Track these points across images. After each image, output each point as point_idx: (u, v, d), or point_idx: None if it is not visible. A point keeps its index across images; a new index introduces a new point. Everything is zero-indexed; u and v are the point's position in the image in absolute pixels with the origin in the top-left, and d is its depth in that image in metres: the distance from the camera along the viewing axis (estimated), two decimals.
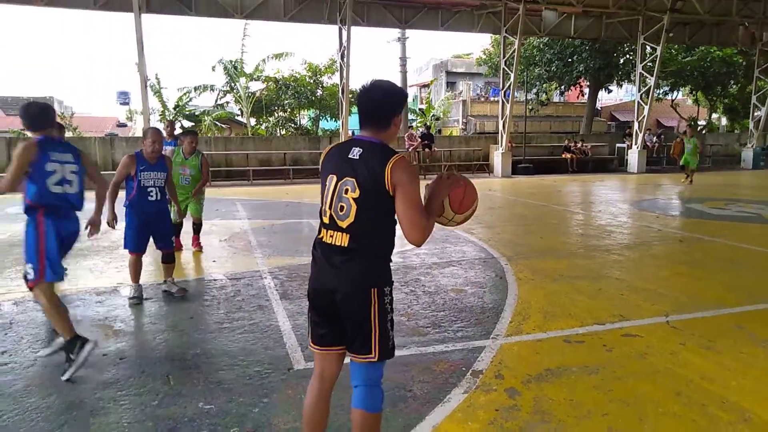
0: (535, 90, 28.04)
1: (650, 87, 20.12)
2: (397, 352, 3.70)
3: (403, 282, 5.54)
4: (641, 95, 20.59)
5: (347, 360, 2.39)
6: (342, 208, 2.19)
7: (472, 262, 6.50)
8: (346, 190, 2.18)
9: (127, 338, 4.09)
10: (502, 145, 19.51)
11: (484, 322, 4.41)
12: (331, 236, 2.23)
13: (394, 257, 6.41)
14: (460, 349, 3.84)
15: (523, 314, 4.61)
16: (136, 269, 4.98)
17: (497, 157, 19.82)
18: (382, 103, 2.27)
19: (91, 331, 4.20)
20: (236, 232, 8.60)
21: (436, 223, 2.35)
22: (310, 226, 9.08)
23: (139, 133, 25.67)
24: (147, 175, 4.85)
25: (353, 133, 25.46)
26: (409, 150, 19.66)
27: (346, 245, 2.19)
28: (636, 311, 4.66)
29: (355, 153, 2.21)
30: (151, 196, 4.89)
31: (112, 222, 4.77)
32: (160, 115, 22.67)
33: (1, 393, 3.19)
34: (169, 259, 5.23)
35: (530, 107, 27.51)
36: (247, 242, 7.76)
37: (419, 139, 19.77)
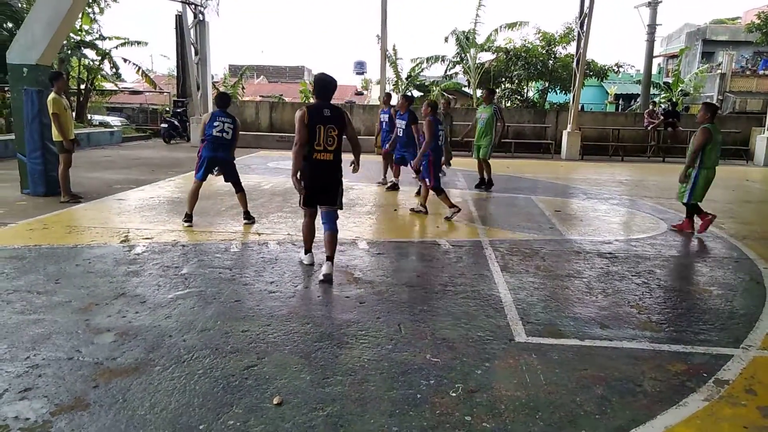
0: None
1: None
2: (625, 344, 3.53)
3: (634, 272, 5.16)
4: None
5: None
6: None
7: (720, 260, 5.73)
8: None
9: (364, 286, 4.59)
10: None
11: (731, 329, 3.90)
12: None
13: (621, 244, 5.97)
14: (701, 353, 3.47)
15: None
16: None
17: (760, 141, 16.81)
18: None
19: (336, 275, 4.83)
20: (457, 201, 8.87)
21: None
22: (530, 201, 8.93)
23: (374, 102, 27.74)
24: None
25: (583, 107, 23.89)
26: (648, 128, 17.83)
27: None
28: None
29: None
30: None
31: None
32: (393, 85, 24.14)
33: (272, 315, 3.89)
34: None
35: None
36: (468, 212, 7.97)
37: (661, 117, 17.76)
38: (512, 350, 3.44)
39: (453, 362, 3.24)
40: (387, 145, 9.79)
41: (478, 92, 23.70)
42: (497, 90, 23.66)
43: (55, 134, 7.58)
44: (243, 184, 6.90)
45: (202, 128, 6.52)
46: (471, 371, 3.14)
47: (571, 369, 3.20)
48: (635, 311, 4.17)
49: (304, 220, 5.05)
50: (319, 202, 4.86)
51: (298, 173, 4.65)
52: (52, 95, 7.44)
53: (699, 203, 6.88)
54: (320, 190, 4.77)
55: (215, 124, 6.45)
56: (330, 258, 4.82)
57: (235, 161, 6.84)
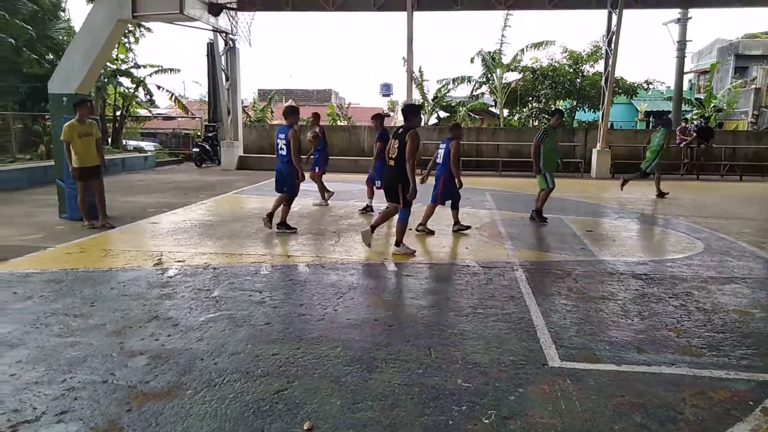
0: None
1: None
2: (664, 369, 3.41)
3: (671, 294, 5.01)
4: None
5: None
6: None
7: (763, 281, 5.52)
8: None
9: (393, 308, 4.56)
10: None
11: None
12: None
13: (656, 264, 5.78)
14: (745, 380, 3.33)
15: None
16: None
17: None
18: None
19: (365, 298, 4.82)
20: (486, 221, 8.80)
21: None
22: (561, 222, 8.79)
23: (400, 123, 27.89)
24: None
25: (612, 125, 23.56)
26: (681, 145, 17.48)
27: None
28: None
29: None
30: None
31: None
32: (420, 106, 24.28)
33: (301, 338, 3.89)
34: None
35: None
36: (497, 232, 7.89)
37: (694, 134, 17.40)
38: (546, 375, 3.36)
39: (485, 387, 3.18)
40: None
41: (505, 112, 23.67)
42: (523, 109, 23.58)
43: (73, 160, 7.58)
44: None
45: None
46: (504, 397, 3.07)
47: (608, 395, 3.11)
48: (674, 335, 4.04)
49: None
50: (388, 197, 6.39)
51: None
52: (70, 121, 7.50)
53: None
54: (386, 187, 6.43)
55: (277, 141, 7.43)
56: (395, 243, 6.52)
57: (296, 175, 7.35)
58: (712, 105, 25.46)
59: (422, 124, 23.48)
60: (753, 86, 27.66)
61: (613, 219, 9.29)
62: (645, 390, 3.18)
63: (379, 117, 9.33)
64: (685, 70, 25.54)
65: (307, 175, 7.69)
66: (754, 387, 3.24)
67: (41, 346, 3.70)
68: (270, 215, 7.66)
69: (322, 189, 10.24)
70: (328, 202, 10.26)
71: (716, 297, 4.96)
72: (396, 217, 6.48)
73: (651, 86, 22.97)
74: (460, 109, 24.17)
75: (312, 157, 10.27)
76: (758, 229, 8.29)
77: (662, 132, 11.87)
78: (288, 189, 7.46)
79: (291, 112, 7.33)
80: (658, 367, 3.49)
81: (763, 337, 4.03)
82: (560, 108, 14.30)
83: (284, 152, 7.29)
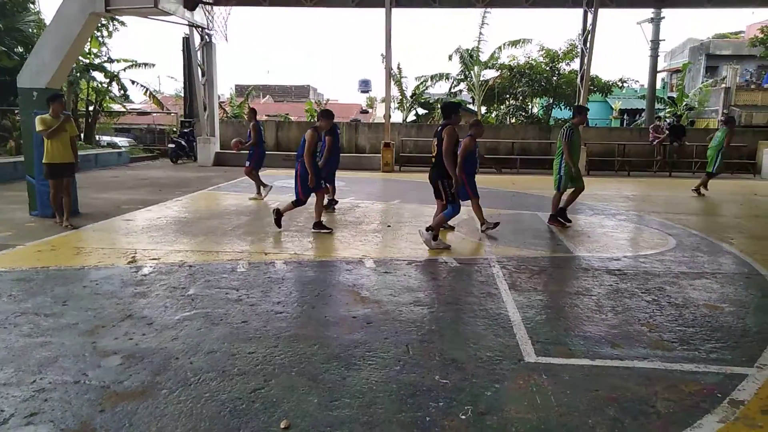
0: None
1: None
2: (637, 363, 3.47)
3: (644, 289, 5.11)
4: None
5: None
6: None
7: (731, 276, 5.67)
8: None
9: (371, 306, 4.56)
10: None
11: (745, 347, 3.84)
12: None
13: (630, 260, 5.90)
14: (714, 373, 3.42)
15: None
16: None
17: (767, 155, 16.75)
18: None
19: (343, 295, 4.81)
20: (464, 218, 8.83)
21: None
22: (538, 218, 8.89)
23: (379, 120, 27.82)
24: None
25: (588, 122, 23.85)
26: (654, 143, 17.82)
27: None
28: None
29: None
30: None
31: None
32: (398, 102, 24.26)
33: (278, 336, 3.86)
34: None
35: None
36: (475, 229, 7.93)
37: (666, 131, 17.75)
38: (522, 371, 3.39)
39: (462, 383, 3.20)
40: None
41: (483, 109, 23.80)
42: (502, 107, 23.75)
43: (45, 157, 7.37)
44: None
45: None
46: (481, 393, 3.10)
47: (583, 390, 3.16)
48: (646, 329, 4.12)
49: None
50: (436, 195, 6.71)
51: None
52: (43, 115, 7.24)
53: None
54: (432, 186, 6.64)
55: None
56: (429, 227, 6.72)
57: (301, 172, 7.24)
58: (684, 103, 25.98)
59: (401, 120, 23.57)
60: (723, 85, 28.28)
61: (588, 215, 9.42)
62: (618, 384, 3.23)
63: (326, 112, 9.38)
64: (658, 69, 26.05)
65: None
66: (723, 379, 3.32)
67: (9, 346, 3.61)
68: (317, 224, 7.43)
69: (258, 184, 10.54)
70: (265, 196, 10.46)
71: (687, 292, 5.07)
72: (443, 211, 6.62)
73: (625, 84, 23.34)
74: (438, 105, 24.23)
75: (248, 151, 10.41)
76: (727, 226, 8.50)
77: (723, 130, 12.03)
78: (297, 190, 7.33)
79: (323, 116, 7.56)
80: (631, 361, 3.56)
81: (731, 331, 4.14)
82: (585, 105, 12.30)
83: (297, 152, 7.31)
